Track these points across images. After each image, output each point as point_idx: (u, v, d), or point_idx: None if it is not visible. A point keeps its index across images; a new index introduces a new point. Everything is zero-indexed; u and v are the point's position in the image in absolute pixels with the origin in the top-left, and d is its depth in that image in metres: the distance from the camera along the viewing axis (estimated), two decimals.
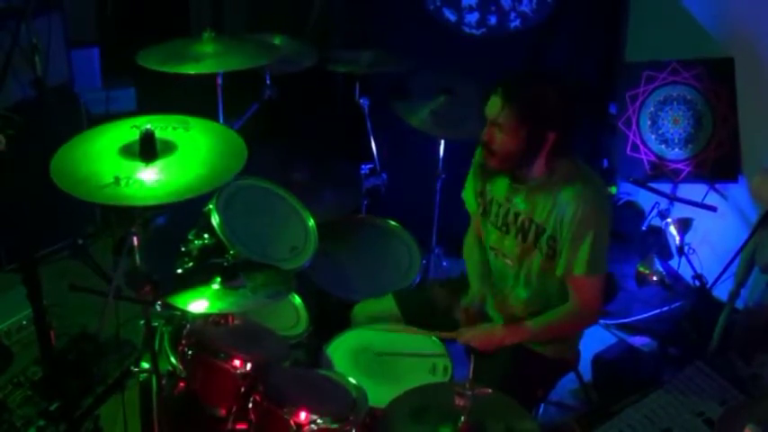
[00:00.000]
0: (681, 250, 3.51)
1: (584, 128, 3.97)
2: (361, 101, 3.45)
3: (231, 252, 2.48)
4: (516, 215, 2.32)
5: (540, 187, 2.25)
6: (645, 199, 3.80)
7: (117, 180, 1.90)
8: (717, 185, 3.49)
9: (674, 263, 3.61)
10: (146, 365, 2.26)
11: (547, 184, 2.24)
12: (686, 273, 3.49)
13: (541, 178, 2.25)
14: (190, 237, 2.56)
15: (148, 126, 2.00)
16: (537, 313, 2.36)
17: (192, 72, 2.75)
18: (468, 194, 2.53)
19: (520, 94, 2.15)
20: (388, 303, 2.65)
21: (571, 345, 2.50)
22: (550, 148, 2.19)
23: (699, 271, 3.37)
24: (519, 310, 2.41)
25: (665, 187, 3.59)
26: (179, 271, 2.47)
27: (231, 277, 2.21)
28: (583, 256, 2.19)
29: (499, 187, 2.36)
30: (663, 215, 3.67)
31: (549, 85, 2.17)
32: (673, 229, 3.61)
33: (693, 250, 3.50)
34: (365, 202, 3.48)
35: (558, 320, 2.31)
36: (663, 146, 3.57)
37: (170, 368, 2.32)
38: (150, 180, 1.92)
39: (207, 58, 2.86)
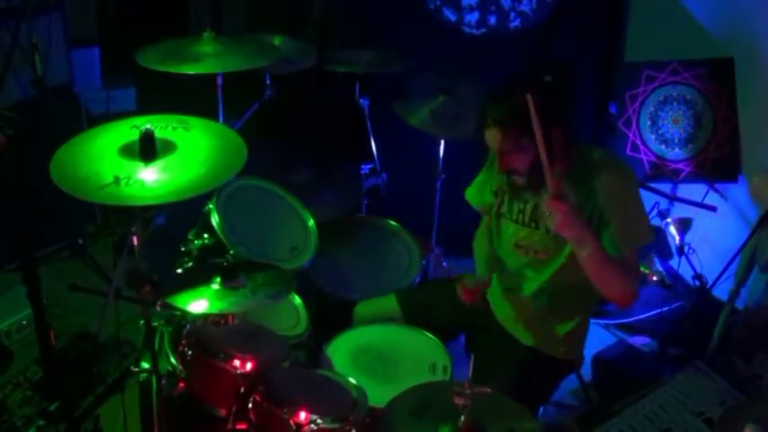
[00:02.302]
0: (681, 250, 3.51)
1: (585, 127, 3.97)
2: (361, 101, 3.45)
3: (231, 252, 2.47)
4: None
5: (566, 178, 2.21)
6: (645, 199, 3.75)
7: (117, 180, 1.90)
8: (717, 185, 3.49)
9: (673, 263, 3.61)
10: (146, 365, 2.26)
11: (574, 174, 2.21)
12: (686, 273, 3.49)
13: (564, 169, 2.22)
14: (190, 237, 2.56)
15: (148, 126, 2.00)
16: (554, 311, 2.38)
17: (191, 72, 2.75)
18: (477, 193, 2.53)
19: (508, 115, 2.13)
20: (389, 303, 2.65)
21: (581, 345, 2.50)
22: (562, 141, 2.17)
23: (699, 271, 3.37)
24: (536, 305, 2.41)
25: (665, 187, 3.59)
26: (179, 271, 2.47)
27: (231, 277, 2.21)
28: (629, 233, 2.18)
29: (520, 184, 2.32)
30: (663, 215, 3.67)
31: (538, 93, 2.10)
32: (673, 229, 3.61)
33: (693, 250, 3.50)
34: (365, 202, 3.48)
35: (620, 271, 2.18)
36: (663, 146, 3.57)
37: (170, 368, 2.32)
38: (150, 180, 1.92)
39: (207, 58, 2.86)
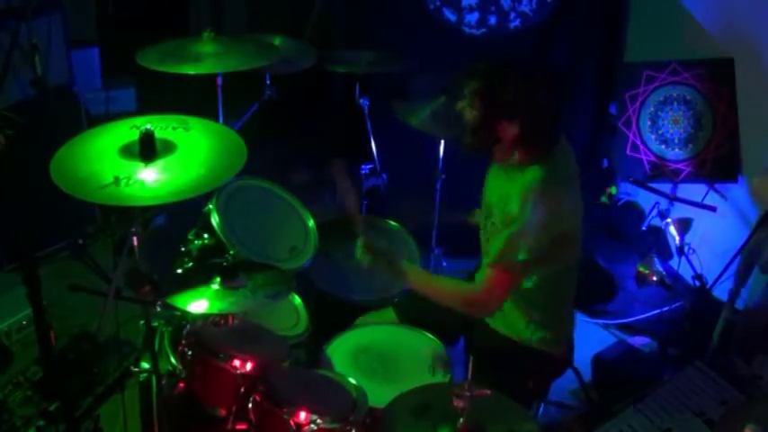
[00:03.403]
0: (681, 250, 3.52)
1: (585, 127, 3.97)
2: (361, 101, 3.45)
3: (231, 252, 2.48)
4: (485, 195, 2.42)
5: (500, 174, 2.34)
6: (645, 199, 3.81)
7: (117, 180, 1.89)
8: (716, 185, 3.49)
9: (673, 263, 3.61)
10: (146, 365, 2.26)
11: (506, 173, 2.30)
12: (686, 273, 3.49)
13: (503, 164, 2.32)
14: (190, 237, 2.56)
15: (148, 126, 2.00)
16: (515, 298, 2.38)
17: (191, 72, 2.75)
18: None
19: (471, 76, 2.27)
20: (389, 314, 2.68)
21: (559, 338, 2.48)
22: (517, 138, 2.22)
23: (699, 271, 3.37)
24: None
25: (665, 187, 3.59)
26: (179, 271, 2.47)
27: (231, 277, 2.21)
28: (508, 251, 2.19)
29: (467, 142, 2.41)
30: (663, 215, 3.67)
31: (510, 79, 2.20)
32: (673, 229, 3.61)
33: (693, 250, 3.50)
34: (365, 202, 3.47)
35: (455, 291, 2.36)
36: (663, 146, 3.57)
37: (170, 368, 2.32)
38: (150, 180, 1.92)
39: (206, 59, 2.85)
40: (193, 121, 2.16)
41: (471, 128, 2.29)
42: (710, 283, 3.22)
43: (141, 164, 1.95)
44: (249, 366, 2.14)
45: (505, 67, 2.23)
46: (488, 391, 1.87)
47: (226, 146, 2.09)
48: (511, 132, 2.21)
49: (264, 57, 3.03)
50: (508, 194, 2.23)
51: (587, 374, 3.12)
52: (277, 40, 3.40)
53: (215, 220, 2.54)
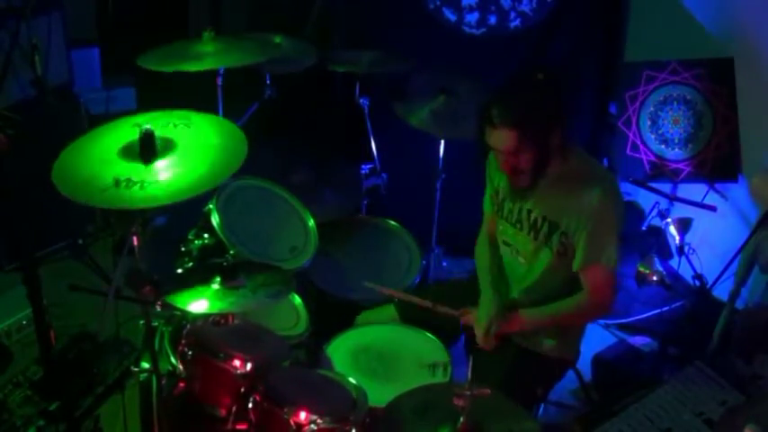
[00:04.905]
0: (681, 250, 3.51)
1: (585, 127, 3.97)
2: (361, 101, 3.45)
3: (231, 252, 2.48)
4: (529, 212, 2.34)
5: (551, 184, 2.27)
6: (645, 199, 3.80)
7: (117, 182, 1.89)
8: (717, 185, 3.49)
9: (674, 263, 3.61)
10: (146, 365, 2.26)
11: (559, 181, 2.26)
12: (686, 273, 3.49)
13: (550, 174, 2.26)
14: (190, 237, 2.56)
15: (148, 126, 2.00)
16: (536, 302, 2.39)
17: (192, 69, 2.74)
18: (486, 199, 2.55)
19: (520, 115, 2.14)
20: (388, 311, 2.67)
21: (573, 344, 2.50)
22: (559, 139, 2.23)
23: (699, 271, 3.37)
24: (520, 300, 2.45)
25: (665, 187, 3.59)
26: (179, 271, 2.47)
27: (231, 277, 2.21)
28: (597, 248, 2.24)
29: (520, 185, 2.35)
30: (663, 215, 3.67)
31: (539, 92, 2.17)
32: (673, 229, 3.61)
33: (693, 250, 3.50)
34: (365, 202, 3.48)
35: (569, 309, 2.35)
36: (663, 146, 3.57)
37: (170, 368, 2.32)
38: (155, 179, 1.92)
39: (207, 57, 2.85)
40: (195, 117, 2.16)
41: (533, 166, 2.22)
42: (710, 283, 3.21)
43: (142, 164, 1.96)
44: (249, 366, 2.14)
45: (527, 93, 2.18)
46: (488, 391, 1.88)
47: (226, 139, 2.10)
48: (556, 135, 2.21)
49: (265, 52, 3.02)
50: (576, 203, 2.23)
51: (587, 374, 3.12)
52: (277, 40, 3.40)
53: (215, 220, 2.54)
